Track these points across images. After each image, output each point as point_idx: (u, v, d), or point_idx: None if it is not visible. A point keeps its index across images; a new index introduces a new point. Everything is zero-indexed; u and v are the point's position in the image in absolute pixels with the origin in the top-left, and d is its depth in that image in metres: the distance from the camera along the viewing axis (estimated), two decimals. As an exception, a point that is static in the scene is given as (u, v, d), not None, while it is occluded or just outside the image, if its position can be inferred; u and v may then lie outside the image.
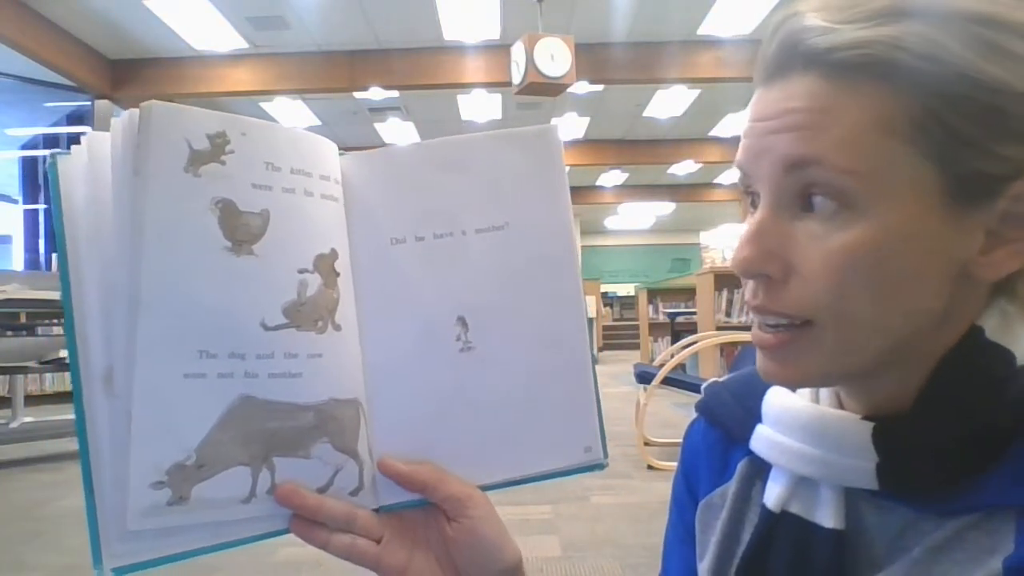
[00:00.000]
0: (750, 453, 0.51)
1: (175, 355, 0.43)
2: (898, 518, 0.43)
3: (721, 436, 0.56)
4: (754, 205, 0.44)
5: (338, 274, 0.49)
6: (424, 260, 0.51)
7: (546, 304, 0.53)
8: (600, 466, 0.54)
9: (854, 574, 0.44)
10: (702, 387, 0.59)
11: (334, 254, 0.48)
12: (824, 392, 0.49)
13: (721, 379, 0.58)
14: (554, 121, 10.81)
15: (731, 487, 0.53)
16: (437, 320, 0.51)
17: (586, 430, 0.53)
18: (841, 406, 0.48)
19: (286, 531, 0.47)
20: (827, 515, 0.45)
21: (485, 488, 0.51)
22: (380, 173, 0.52)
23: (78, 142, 0.45)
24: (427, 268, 0.51)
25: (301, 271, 0.46)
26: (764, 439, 0.49)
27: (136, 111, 0.43)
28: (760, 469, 0.51)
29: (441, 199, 0.52)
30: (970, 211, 0.39)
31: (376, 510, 0.50)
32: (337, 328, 0.48)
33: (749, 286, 0.44)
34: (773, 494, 0.48)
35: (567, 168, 0.55)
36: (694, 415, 0.61)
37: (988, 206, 0.40)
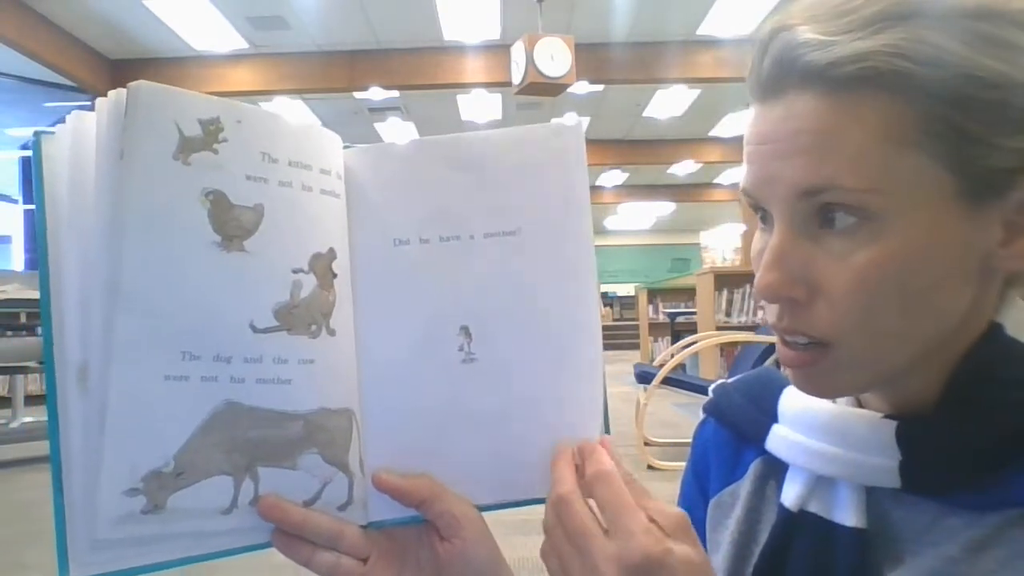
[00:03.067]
0: (763, 453, 0.51)
1: (156, 354, 0.40)
2: (924, 514, 0.42)
3: (731, 436, 0.56)
4: (764, 220, 0.44)
5: (335, 275, 0.46)
6: (428, 264, 0.48)
7: (557, 318, 0.48)
8: None
9: (876, 570, 0.43)
10: (710, 388, 0.59)
11: (332, 254, 0.46)
12: None
13: (729, 380, 0.58)
14: (554, 121, 10.71)
15: (744, 486, 0.52)
16: (439, 328, 0.48)
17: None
18: (860, 405, 0.48)
19: (268, 544, 0.44)
20: (848, 514, 0.44)
21: (481, 509, 0.49)
22: (385, 169, 0.49)
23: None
24: (431, 273, 0.48)
25: (295, 271, 0.44)
26: (781, 439, 0.48)
27: (123, 91, 0.40)
28: (775, 469, 0.50)
29: (449, 199, 0.48)
30: (987, 206, 0.39)
31: (365, 527, 0.47)
32: (332, 333, 0.45)
33: (773, 309, 0.43)
34: (792, 493, 0.47)
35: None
36: (694, 415, 0.61)
37: (1004, 199, 0.40)
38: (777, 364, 0.53)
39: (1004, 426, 0.40)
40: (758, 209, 0.45)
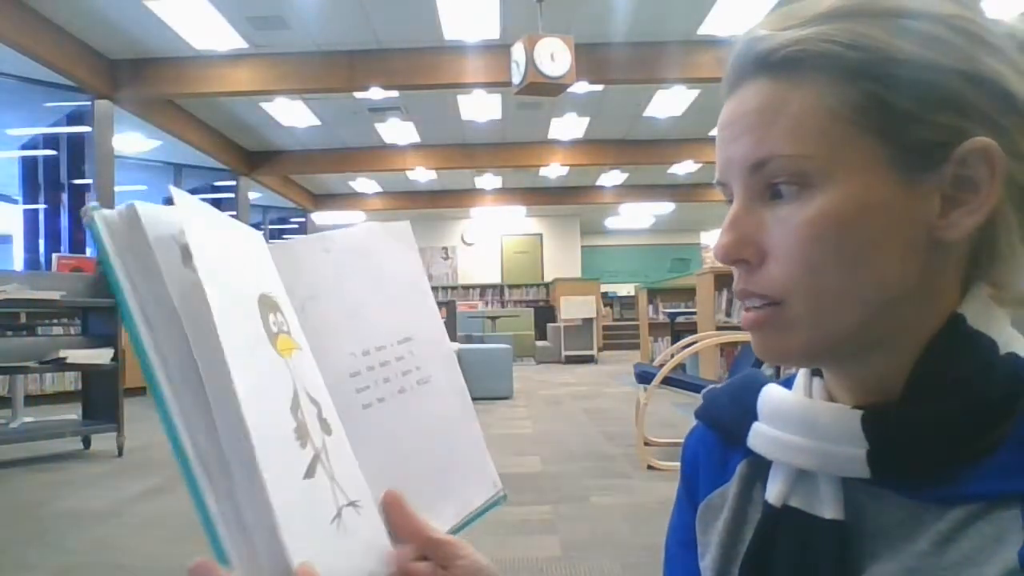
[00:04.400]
0: (748, 454, 0.52)
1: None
2: (897, 508, 0.44)
3: (719, 438, 0.57)
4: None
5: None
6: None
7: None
8: (505, 498, 0.58)
9: (857, 565, 0.44)
10: (702, 393, 0.60)
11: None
12: (816, 386, 0.51)
13: (719, 385, 0.59)
14: (554, 121, 10.85)
15: (731, 488, 0.53)
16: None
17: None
18: (832, 400, 0.49)
19: None
20: (827, 506, 0.46)
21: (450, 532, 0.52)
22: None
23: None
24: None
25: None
26: (761, 435, 0.50)
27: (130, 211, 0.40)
28: (760, 469, 0.51)
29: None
30: (922, 178, 0.43)
31: None
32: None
33: (735, 278, 0.48)
34: (774, 489, 0.48)
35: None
36: (694, 416, 0.61)
37: (938, 172, 0.43)
38: (778, 366, 0.54)
39: (964, 417, 0.42)
40: (729, 199, 0.49)
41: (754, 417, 0.51)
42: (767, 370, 0.50)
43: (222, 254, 0.43)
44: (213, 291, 0.40)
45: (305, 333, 0.50)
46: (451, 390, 0.58)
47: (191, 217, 0.42)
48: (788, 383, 0.54)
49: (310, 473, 0.42)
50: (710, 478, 0.57)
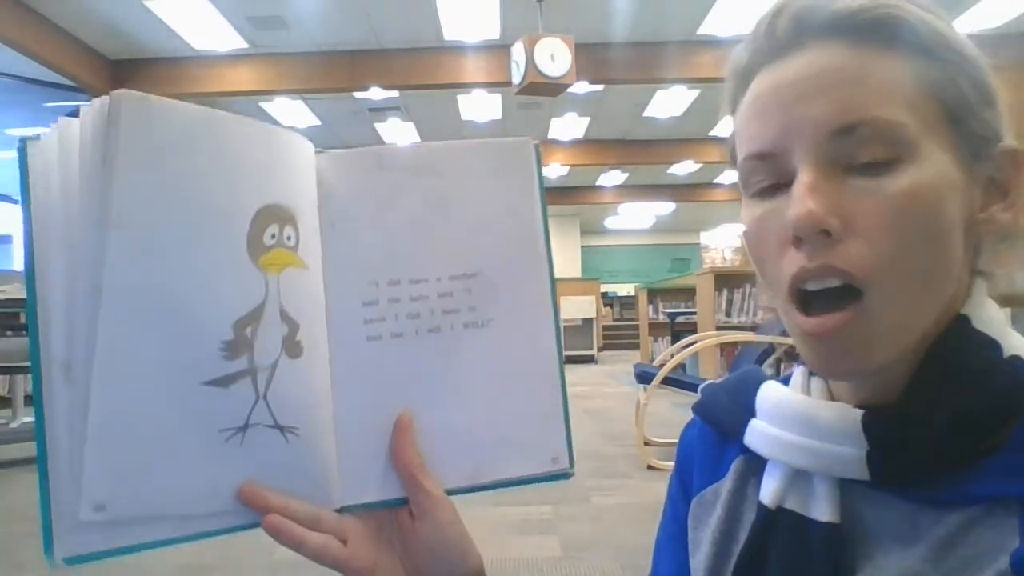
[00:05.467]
0: (744, 451, 0.51)
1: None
2: (893, 512, 0.43)
3: (715, 434, 0.56)
4: (770, 190, 0.44)
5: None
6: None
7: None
8: (567, 475, 0.52)
9: (852, 569, 0.43)
10: (699, 388, 0.60)
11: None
12: (815, 385, 0.49)
13: (718, 381, 0.59)
14: (554, 121, 10.85)
15: (726, 485, 0.52)
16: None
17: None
18: (832, 398, 0.48)
19: (255, 525, 0.45)
20: (822, 509, 0.44)
21: (449, 492, 0.50)
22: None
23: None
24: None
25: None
26: (758, 433, 0.49)
27: (107, 99, 0.42)
28: (755, 467, 0.51)
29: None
30: (974, 169, 0.43)
31: (338, 511, 0.48)
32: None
33: (797, 257, 0.42)
34: (769, 490, 0.47)
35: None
36: (692, 410, 0.61)
37: (982, 166, 0.44)
38: (778, 366, 0.54)
39: (966, 419, 0.41)
40: (761, 178, 0.45)
41: (752, 414, 0.50)
42: (767, 369, 0.48)
43: (177, 160, 0.43)
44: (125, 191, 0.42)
45: (328, 252, 0.49)
46: (520, 341, 0.52)
47: (129, 114, 0.42)
48: (787, 381, 0.52)
49: (222, 383, 0.44)
50: (704, 474, 0.56)
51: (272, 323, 0.45)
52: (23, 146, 0.43)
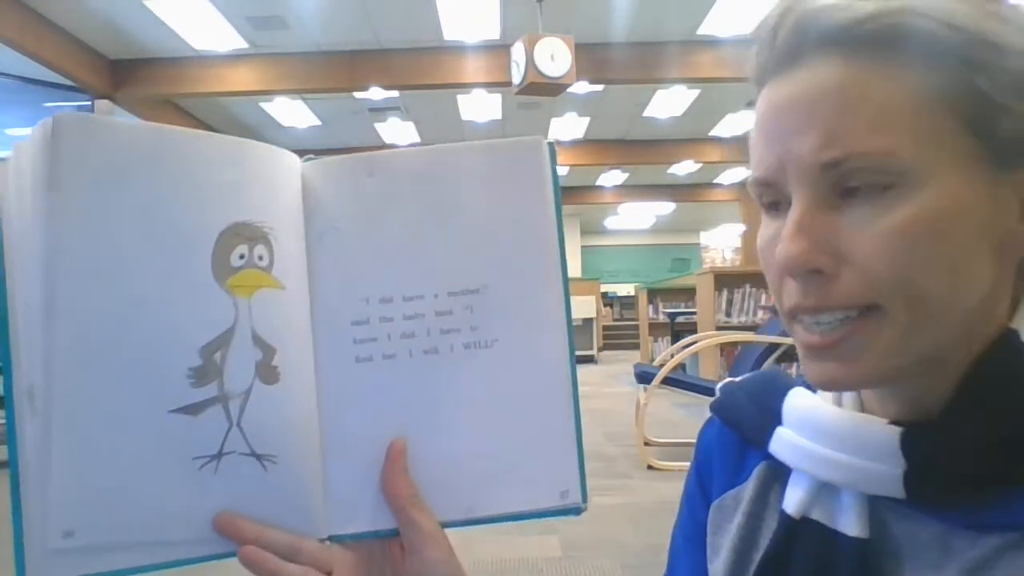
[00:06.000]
0: (767, 457, 0.49)
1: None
2: (925, 531, 0.41)
3: (736, 438, 0.54)
4: (776, 209, 0.43)
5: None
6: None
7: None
8: (577, 510, 0.49)
9: None
10: (717, 387, 0.57)
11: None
12: (847, 395, 0.47)
13: (737, 379, 0.56)
14: (554, 121, 10.85)
15: (747, 491, 0.51)
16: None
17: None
18: (863, 410, 0.46)
19: (230, 555, 0.44)
20: (850, 523, 0.42)
21: (445, 525, 0.48)
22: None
23: None
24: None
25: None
26: (785, 442, 0.47)
27: (50, 121, 0.41)
28: (778, 473, 0.49)
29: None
30: (1005, 178, 0.39)
31: (324, 540, 0.47)
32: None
33: (794, 290, 0.41)
34: (794, 499, 0.45)
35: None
36: (694, 415, 0.61)
37: (1019, 171, 0.39)
38: (779, 364, 0.53)
39: (1010, 441, 0.38)
40: (768, 199, 0.43)
41: (777, 421, 0.48)
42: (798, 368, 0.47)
43: (127, 181, 0.42)
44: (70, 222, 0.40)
45: (314, 268, 0.46)
46: (528, 363, 0.48)
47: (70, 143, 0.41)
48: (809, 385, 0.49)
49: (191, 411, 0.43)
50: (724, 477, 0.54)
51: (243, 348, 0.43)
52: None
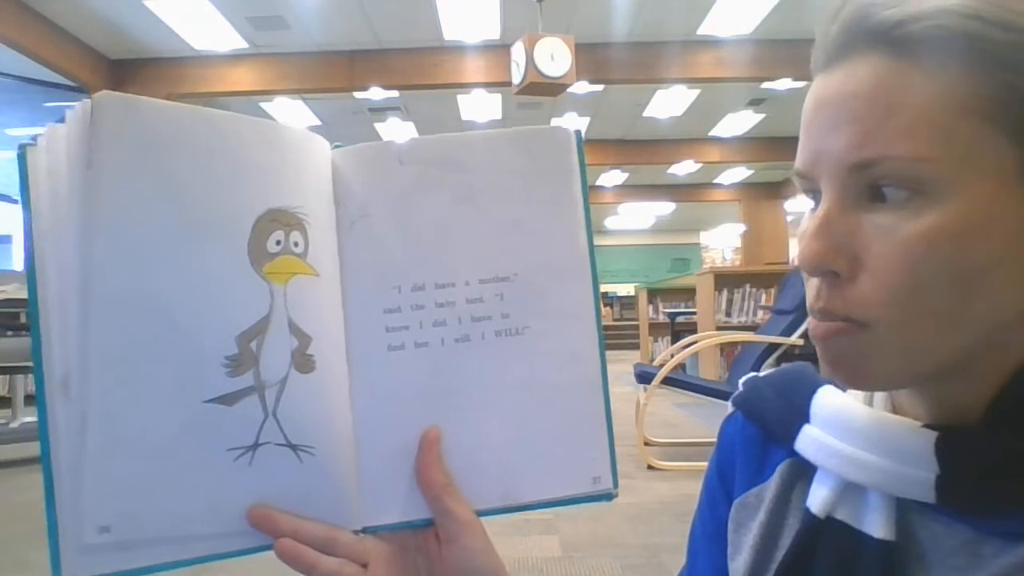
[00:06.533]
0: (792, 454, 0.48)
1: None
2: (954, 536, 0.40)
3: (759, 433, 0.53)
4: (816, 201, 0.42)
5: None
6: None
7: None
8: (609, 496, 0.50)
9: None
10: (740, 381, 0.56)
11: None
12: (878, 395, 0.46)
13: (761, 374, 0.55)
14: (554, 121, 10.84)
15: (769, 488, 0.50)
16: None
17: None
18: (894, 410, 0.45)
19: (261, 549, 0.43)
20: (877, 524, 0.42)
21: (480, 514, 0.48)
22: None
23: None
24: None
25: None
26: (812, 440, 0.46)
27: (89, 102, 0.40)
28: (802, 471, 0.48)
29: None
30: None
31: (359, 532, 0.46)
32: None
33: (811, 287, 0.41)
34: (818, 498, 0.45)
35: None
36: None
37: None
38: (779, 365, 0.52)
39: None
40: (810, 191, 0.42)
41: (804, 419, 0.47)
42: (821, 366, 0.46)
43: (167, 162, 0.41)
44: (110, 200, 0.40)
45: (345, 256, 0.46)
46: (559, 350, 0.48)
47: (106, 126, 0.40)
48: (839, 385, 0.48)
49: (227, 401, 0.42)
50: (747, 474, 0.53)
51: (280, 336, 0.43)
52: (23, 152, 0.42)
